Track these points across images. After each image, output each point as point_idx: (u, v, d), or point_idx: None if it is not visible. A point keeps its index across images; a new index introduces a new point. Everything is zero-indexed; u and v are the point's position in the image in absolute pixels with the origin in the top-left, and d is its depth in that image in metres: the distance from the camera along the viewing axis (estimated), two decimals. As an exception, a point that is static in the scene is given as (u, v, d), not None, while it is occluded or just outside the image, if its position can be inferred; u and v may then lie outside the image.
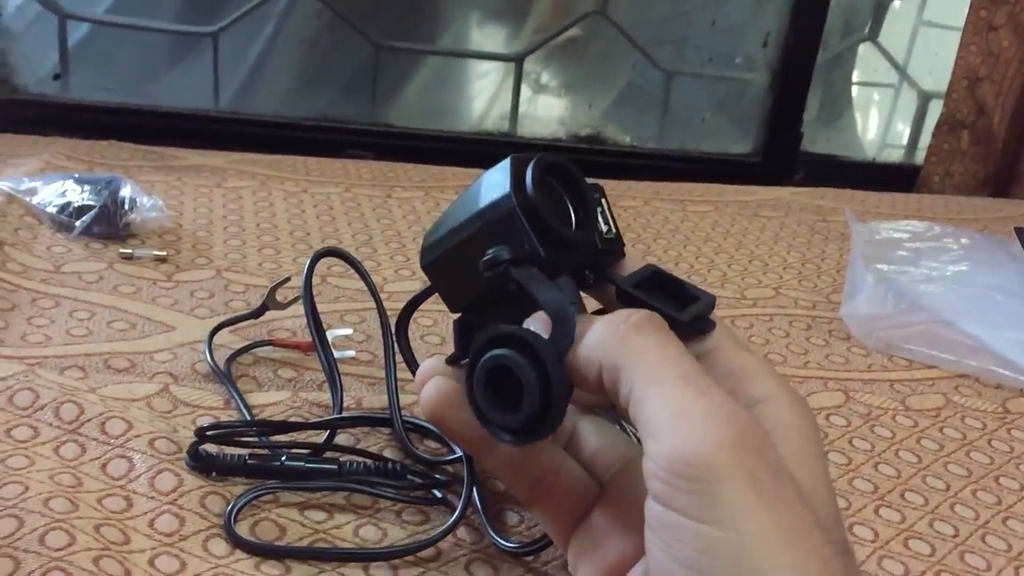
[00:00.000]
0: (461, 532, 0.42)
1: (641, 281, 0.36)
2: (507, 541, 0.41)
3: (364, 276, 0.52)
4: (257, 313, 0.54)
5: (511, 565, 0.40)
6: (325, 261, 0.64)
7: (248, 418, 0.47)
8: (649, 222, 0.79)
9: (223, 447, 0.44)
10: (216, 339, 0.52)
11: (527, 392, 0.31)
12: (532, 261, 0.33)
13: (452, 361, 0.37)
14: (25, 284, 0.56)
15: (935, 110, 1.33)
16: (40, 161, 0.72)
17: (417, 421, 0.48)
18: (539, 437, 0.32)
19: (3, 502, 0.39)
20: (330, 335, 0.52)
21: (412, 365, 0.44)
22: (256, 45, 1.32)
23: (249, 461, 0.43)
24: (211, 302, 0.57)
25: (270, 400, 0.49)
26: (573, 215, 0.36)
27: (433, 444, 0.47)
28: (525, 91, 1.43)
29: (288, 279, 0.56)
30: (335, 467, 0.43)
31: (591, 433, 0.37)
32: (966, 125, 1.25)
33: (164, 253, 0.61)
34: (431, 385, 0.36)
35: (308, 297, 0.49)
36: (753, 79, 1.38)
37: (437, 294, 0.39)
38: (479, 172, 0.88)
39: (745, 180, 0.95)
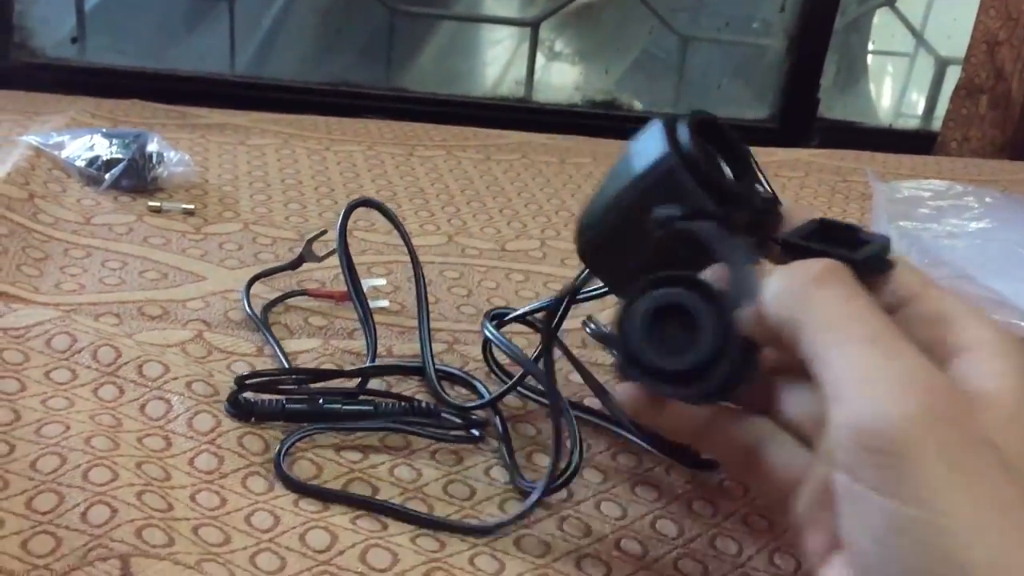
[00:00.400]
0: (495, 472, 0.43)
1: (809, 233, 0.33)
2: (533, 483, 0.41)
3: (398, 226, 0.52)
4: (294, 264, 0.55)
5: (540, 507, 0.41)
6: (367, 213, 0.65)
7: (285, 365, 0.47)
8: (670, 181, 0.79)
9: (260, 394, 0.44)
10: (251, 290, 0.52)
11: (700, 332, 0.29)
12: (703, 216, 0.31)
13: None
14: (56, 235, 0.56)
15: (952, 76, 1.32)
16: (65, 118, 0.72)
17: (449, 369, 0.48)
18: (709, 390, 0.29)
19: (45, 440, 0.40)
20: (365, 284, 0.52)
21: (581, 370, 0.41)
22: (272, 10, 1.31)
23: (287, 406, 0.43)
24: (240, 254, 0.57)
25: (302, 347, 0.49)
26: (730, 172, 0.34)
27: (464, 391, 0.47)
28: (540, 57, 1.43)
29: (324, 232, 0.56)
30: (371, 408, 0.43)
31: (793, 397, 0.31)
32: (984, 90, 1.24)
33: (192, 206, 0.61)
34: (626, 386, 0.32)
35: (343, 246, 0.49)
36: (770, 44, 1.37)
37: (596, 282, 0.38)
38: (499, 133, 0.88)
39: (761, 146, 0.95)
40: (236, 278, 0.54)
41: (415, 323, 0.50)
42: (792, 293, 0.28)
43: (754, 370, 0.30)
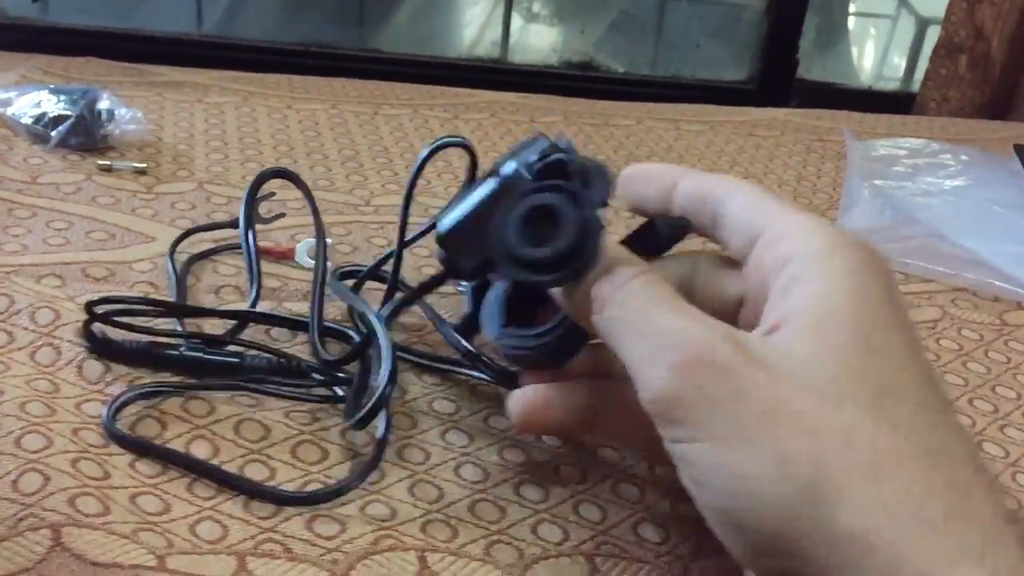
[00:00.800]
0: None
1: (635, 235, 0.37)
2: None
3: (307, 194, 0.50)
4: (235, 223, 0.52)
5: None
6: (327, 173, 0.63)
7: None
8: (643, 140, 0.78)
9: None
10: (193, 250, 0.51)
11: (564, 225, 0.33)
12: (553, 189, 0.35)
13: (466, 325, 0.41)
14: (0, 194, 0.54)
15: (933, 36, 1.30)
16: (15, 75, 0.70)
17: (336, 326, 0.45)
18: (572, 276, 0.33)
19: (-22, 406, 0.38)
20: (307, 244, 0.51)
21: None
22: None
23: (145, 349, 0.41)
24: (192, 213, 0.55)
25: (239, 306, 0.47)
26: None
27: (347, 347, 0.45)
28: (517, 19, 1.40)
29: (274, 194, 0.54)
30: (236, 360, 0.41)
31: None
32: (964, 49, 1.22)
33: (144, 165, 0.59)
34: (518, 393, 0.38)
35: (248, 205, 0.47)
36: (748, 4, 1.35)
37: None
38: (469, 92, 0.86)
39: (741, 106, 0.93)
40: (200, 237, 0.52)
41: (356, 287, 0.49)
42: (598, 317, 0.32)
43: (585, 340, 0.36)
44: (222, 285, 0.49)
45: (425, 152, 0.43)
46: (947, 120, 1.03)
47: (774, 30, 1.32)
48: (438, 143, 0.43)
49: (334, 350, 0.44)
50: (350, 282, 0.49)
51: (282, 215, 0.54)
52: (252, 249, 0.48)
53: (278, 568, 0.33)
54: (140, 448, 0.38)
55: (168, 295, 0.47)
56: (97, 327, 0.42)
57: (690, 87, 1.34)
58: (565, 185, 0.34)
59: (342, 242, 0.55)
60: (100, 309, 0.41)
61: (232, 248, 0.52)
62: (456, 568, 0.34)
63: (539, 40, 1.43)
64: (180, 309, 0.44)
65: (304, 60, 1.16)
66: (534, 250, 0.34)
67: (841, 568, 0.26)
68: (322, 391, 0.42)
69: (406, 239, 0.46)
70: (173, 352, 0.41)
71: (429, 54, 1.27)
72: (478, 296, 0.40)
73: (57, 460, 0.36)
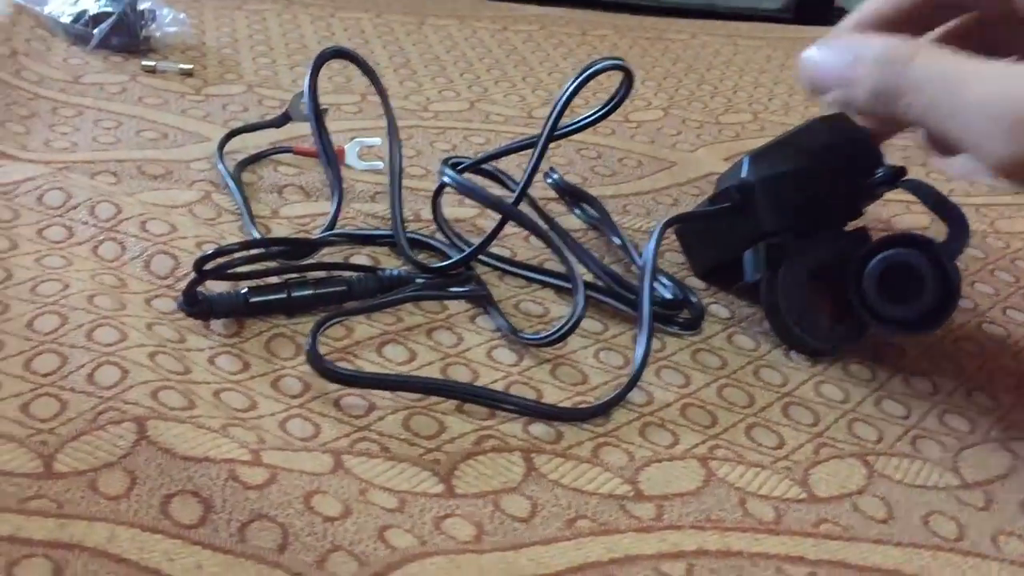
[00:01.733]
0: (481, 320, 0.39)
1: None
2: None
3: (371, 76, 0.46)
4: (279, 122, 0.49)
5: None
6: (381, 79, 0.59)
7: (256, 234, 0.41)
8: (699, 54, 0.74)
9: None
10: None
11: (925, 283, 0.36)
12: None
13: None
14: (43, 93, 0.51)
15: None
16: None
17: (418, 236, 0.43)
18: (934, 328, 0.37)
19: (42, 299, 0.36)
20: (358, 144, 0.48)
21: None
22: None
23: (252, 299, 0.37)
24: (246, 115, 0.52)
25: (320, 210, 0.45)
26: None
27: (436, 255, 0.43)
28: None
29: (327, 109, 0.51)
30: (344, 287, 0.38)
31: None
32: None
33: (190, 67, 0.56)
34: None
35: (313, 100, 0.43)
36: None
37: None
38: (511, 6, 0.81)
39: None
40: (242, 140, 0.49)
41: (426, 186, 0.45)
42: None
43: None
44: (284, 185, 0.46)
45: (581, 76, 0.39)
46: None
47: (813, -44, 1.27)
48: (595, 68, 0.38)
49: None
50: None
51: (326, 109, 0.51)
52: (334, 167, 0.44)
53: (376, 467, 0.31)
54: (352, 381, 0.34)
55: (226, 194, 0.44)
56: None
57: (723, 15, 1.30)
58: (921, 239, 0.37)
59: (405, 146, 0.52)
60: (209, 265, 0.36)
61: (285, 150, 0.48)
62: (564, 470, 0.32)
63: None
64: (282, 243, 0.40)
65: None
66: (898, 309, 0.37)
67: None
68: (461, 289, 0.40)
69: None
70: (279, 296, 0.37)
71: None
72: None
73: (133, 353, 0.34)
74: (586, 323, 0.40)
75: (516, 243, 0.44)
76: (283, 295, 0.37)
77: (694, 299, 0.41)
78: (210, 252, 0.35)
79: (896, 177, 0.40)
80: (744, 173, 0.40)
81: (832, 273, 0.39)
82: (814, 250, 0.39)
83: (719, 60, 0.73)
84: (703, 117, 0.62)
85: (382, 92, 0.45)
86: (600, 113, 0.40)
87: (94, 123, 0.49)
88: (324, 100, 0.51)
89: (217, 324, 0.36)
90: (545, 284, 0.42)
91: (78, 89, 0.52)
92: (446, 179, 0.40)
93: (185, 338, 0.36)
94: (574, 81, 0.39)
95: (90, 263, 0.38)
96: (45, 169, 0.43)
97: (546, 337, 0.37)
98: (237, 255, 0.36)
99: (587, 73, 0.38)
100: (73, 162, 0.45)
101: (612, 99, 0.39)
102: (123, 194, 0.43)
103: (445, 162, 0.42)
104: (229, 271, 0.36)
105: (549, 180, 0.48)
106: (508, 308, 0.40)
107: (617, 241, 0.44)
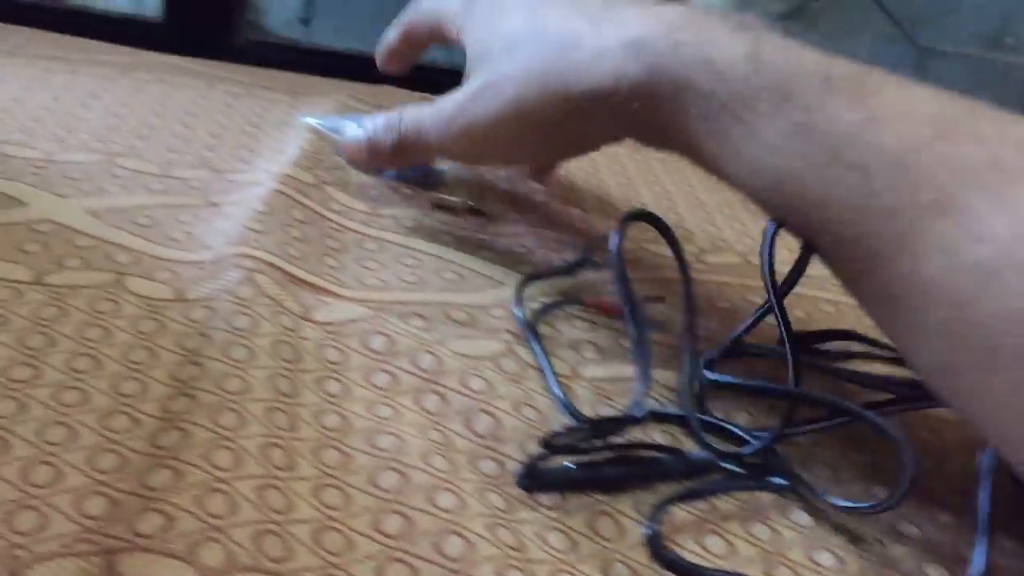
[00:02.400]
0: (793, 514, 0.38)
1: None
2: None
3: (673, 243, 0.46)
4: (570, 269, 0.51)
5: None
6: (638, 225, 0.60)
7: (559, 393, 0.42)
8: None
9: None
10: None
11: None
12: None
13: None
14: (349, 224, 0.54)
15: None
16: (332, 101, 0.70)
17: (712, 420, 0.43)
18: None
19: (381, 453, 0.37)
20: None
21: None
22: None
23: (580, 476, 0.38)
24: (533, 258, 0.54)
25: (618, 374, 0.45)
26: None
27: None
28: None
29: (606, 237, 0.52)
30: (660, 468, 0.39)
31: None
32: None
33: (476, 204, 0.58)
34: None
35: (620, 264, 0.44)
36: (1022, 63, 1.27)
37: None
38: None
39: None
40: (533, 286, 0.50)
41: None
42: None
43: None
44: (582, 340, 0.47)
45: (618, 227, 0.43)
46: None
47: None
48: (627, 215, 0.45)
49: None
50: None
51: (596, 262, 0.52)
52: (641, 328, 0.45)
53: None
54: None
55: (529, 347, 0.46)
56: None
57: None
58: None
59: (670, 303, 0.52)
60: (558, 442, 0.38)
61: (572, 301, 0.49)
62: None
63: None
64: (611, 424, 0.41)
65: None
66: None
67: None
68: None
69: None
70: (605, 473, 0.38)
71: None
72: None
73: (474, 523, 0.35)
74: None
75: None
76: (610, 471, 0.38)
77: None
78: (561, 431, 0.36)
79: None
80: None
81: None
82: None
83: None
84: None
85: (682, 262, 0.46)
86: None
87: (396, 259, 0.51)
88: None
89: (541, 495, 0.37)
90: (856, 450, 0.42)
91: (379, 222, 0.55)
92: (712, 377, 0.41)
93: (513, 507, 0.36)
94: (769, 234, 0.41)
95: (415, 415, 0.40)
96: (365, 310, 0.46)
97: (877, 504, 0.37)
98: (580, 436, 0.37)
99: (622, 220, 0.45)
100: (386, 302, 0.47)
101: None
102: (436, 342, 0.45)
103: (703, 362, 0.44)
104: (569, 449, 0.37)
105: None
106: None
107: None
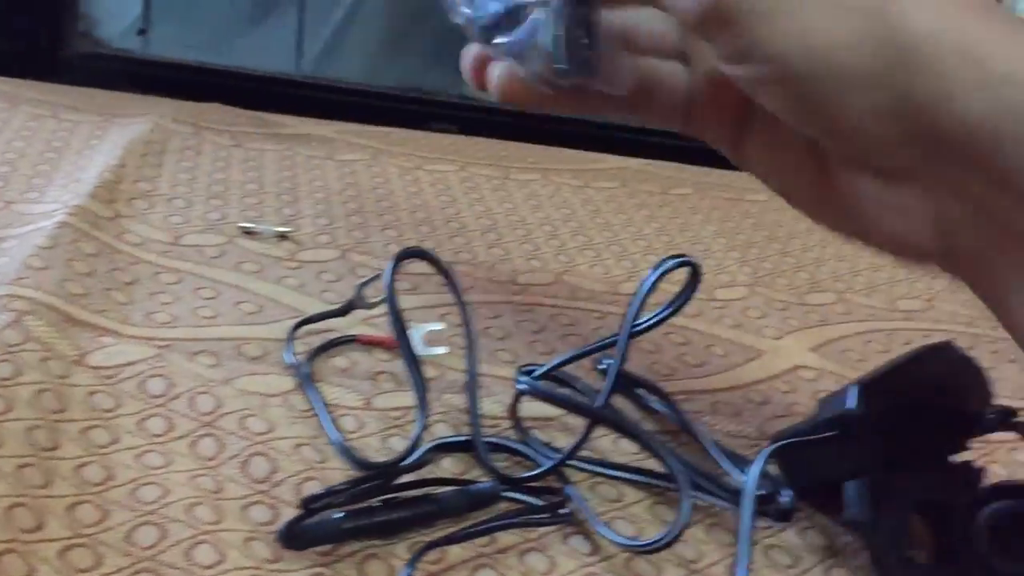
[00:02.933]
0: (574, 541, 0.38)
1: None
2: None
3: (448, 275, 0.47)
4: (343, 311, 0.49)
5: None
6: (467, 245, 0.60)
7: (334, 434, 0.41)
8: (780, 220, 0.74)
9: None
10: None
11: None
12: None
13: None
14: (144, 256, 0.52)
15: None
16: (149, 122, 0.68)
17: (502, 442, 0.43)
18: None
19: (142, 507, 0.36)
20: (424, 328, 0.48)
21: None
22: (341, 6, 1.27)
23: (346, 526, 0.36)
24: (339, 286, 0.53)
25: (389, 405, 0.45)
26: None
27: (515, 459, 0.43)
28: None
29: (378, 276, 0.50)
30: (436, 506, 0.38)
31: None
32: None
33: (287, 230, 0.57)
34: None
35: (392, 300, 0.44)
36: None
37: None
38: (595, 157, 0.82)
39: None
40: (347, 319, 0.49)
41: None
42: None
43: None
44: (378, 371, 0.46)
45: (653, 277, 0.41)
46: None
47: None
48: (664, 268, 0.41)
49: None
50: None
51: (383, 300, 0.51)
52: (412, 360, 0.44)
53: None
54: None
55: (324, 382, 0.45)
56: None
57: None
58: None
59: (491, 325, 0.52)
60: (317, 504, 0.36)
61: (346, 341, 0.48)
62: None
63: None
64: (377, 477, 0.39)
65: (400, 106, 1.14)
66: (1014, 564, 0.36)
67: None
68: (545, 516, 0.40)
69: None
70: (375, 520, 0.37)
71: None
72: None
73: (232, 578, 0.34)
74: (680, 548, 0.39)
75: (603, 444, 0.44)
76: (379, 518, 0.37)
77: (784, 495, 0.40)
78: (320, 493, 0.35)
79: (1007, 417, 0.39)
80: (850, 403, 0.39)
81: (935, 512, 0.39)
82: (919, 487, 0.39)
83: (801, 227, 0.73)
84: (788, 297, 0.62)
85: (458, 295, 0.46)
86: (668, 312, 0.43)
87: (193, 291, 0.50)
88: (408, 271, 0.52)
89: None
90: (644, 485, 0.42)
91: (180, 252, 0.53)
92: (522, 387, 0.41)
93: (280, 556, 0.35)
94: (648, 281, 0.41)
95: (189, 462, 0.39)
96: (148, 350, 0.44)
97: (651, 543, 0.37)
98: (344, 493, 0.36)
99: (658, 274, 0.41)
100: (174, 339, 0.46)
101: (679, 296, 0.43)
102: (221, 382, 0.43)
103: (520, 370, 0.42)
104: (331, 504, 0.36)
105: (602, 365, 0.49)
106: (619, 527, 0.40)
107: (711, 449, 0.44)
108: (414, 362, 0.44)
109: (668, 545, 0.36)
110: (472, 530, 0.37)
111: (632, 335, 0.42)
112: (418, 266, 0.48)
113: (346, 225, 0.60)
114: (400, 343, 0.44)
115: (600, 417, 0.41)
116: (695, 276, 0.42)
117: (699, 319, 0.57)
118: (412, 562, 0.35)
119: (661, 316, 0.42)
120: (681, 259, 0.41)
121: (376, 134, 0.76)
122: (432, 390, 0.46)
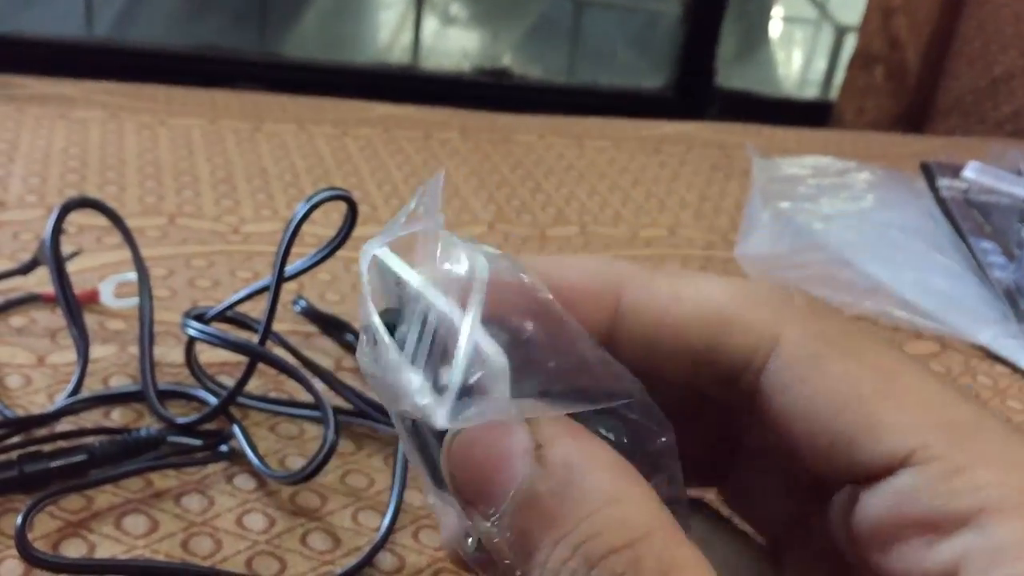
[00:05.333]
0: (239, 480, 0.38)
1: None
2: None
3: (121, 227, 0.44)
4: (25, 269, 0.46)
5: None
6: (195, 198, 0.58)
7: None
8: (542, 158, 0.74)
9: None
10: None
11: None
12: None
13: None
14: None
15: (851, 45, 1.30)
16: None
17: (177, 388, 0.42)
18: None
19: None
20: (114, 281, 0.46)
21: None
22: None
23: None
24: (35, 246, 0.51)
25: (66, 360, 0.43)
26: None
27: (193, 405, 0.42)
28: (433, 23, 1.36)
29: (64, 231, 0.48)
30: (85, 456, 0.36)
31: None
32: (880, 59, 1.22)
33: (-13, 190, 0.54)
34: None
35: (54, 250, 0.41)
36: (665, 11, 1.33)
37: None
38: (363, 105, 0.81)
39: (658, 116, 0.91)
40: (36, 276, 0.47)
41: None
42: None
43: None
44: (57, 329, 0.45)
45: (302, 211, 0.38)
46: (858, 134, 1.02)
47: (691, 38, 1.30)
48: (315, 200, 0.38)
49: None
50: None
51: (77, 252, 0.49)
52: (76, 315, 0.42)
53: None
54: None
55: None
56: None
57: (606, 95, 1.32)
58: None
59: (202, 276, 0.51)
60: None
61: (33, 298, 0.46)
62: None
63: (455, 44, 1.40)
64: (27, 423, 0.38)
65: (198, 66, 1.11)
66: None
67: None
68: (205, 453, 0.39)
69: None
70: (13, 474, 0.35)
71: (331, 59, 1.23)
72: None
73: None
74: (351, 479, 0.39)
75: (292, 384, 0.44)
76: (13, 473, 0.35)
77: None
78: None
79: None
80: None
81: None
82: None
83: (561, 164, 0.73)
84: (528, 231, 0.62)
85: (130, 239, 0.44)
86: (326, 252, 0.40)
87: None
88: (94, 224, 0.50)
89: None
90: (302, 418, 0.42)
91: None
92: (191, 332, 0.39)
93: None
94: (297, 217, 0.38)
95: None
96: None
97: (297, 474, 0.36)
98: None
99: (307, 207, 0.38)
100: None
101: (337, 235, 0.40)
102: None
103: (187, 314, 0.41)
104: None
105: (297, 308, 0.49)
106: (274, 462, 0.39)
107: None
108: (70, 312, 0.42)
109: (311, 476, 0.36)
110: (111, 474, 0.36)
111: (285, 280, 0.40)
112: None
113: (60, 185, 0.57)
114: (57, 294, 0.42)
115: (258, 354, 0.40)
116: (352, 211, 0.41)
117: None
118: (29, 510, 0.33)
119: (312, 261, 0.41)
120: (335, 192, 0.40)
121: (124, 91, 0.73)
122: (116, 343, 0.44)
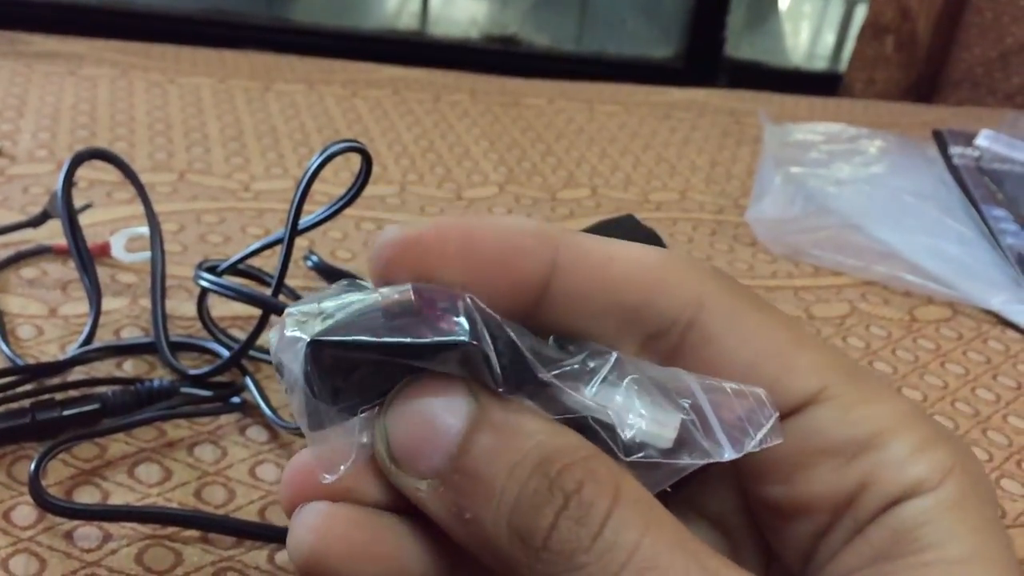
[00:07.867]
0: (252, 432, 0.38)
1: None
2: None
3: (133, 179, 0.44)
4: (36, 221, 0.46)
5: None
6: (205, 155, 0.58)
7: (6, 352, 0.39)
8: (552, 122, 0.74)
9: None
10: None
11: None
12: None
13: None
14: None
15: (861, 16, 1.28)
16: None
17: (188, 340, 0.42)
18: None
19: None
20: (126, 234, 0.46)
21: None
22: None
23: None
24: (46, 199, 0.50)
25: (110, 306, 0.43)
26: None
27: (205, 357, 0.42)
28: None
29: (75, 183, 0.48)
30: (98, 404, 0.36)
31: None
32: (890, 30, 1.21)
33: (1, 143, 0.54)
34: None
35: (66, 203, 0.41)
36: (676, -21, 1.32)
37: None
38: (372, 67, 0.80)
39: (667, 85, 0.90)
40: (47, 229, 0.47)
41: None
42: None
43: None
44: (68, 281, 0.45)
45: (316, 161, 0.38)
46: (869, 103, 1.02)
47: (700, 7, 1.29)
48: (330, 151, 0.37)
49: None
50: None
51: (88, 205, 0.49)
52: (89, 267, 0.42)
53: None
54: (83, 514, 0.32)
55: (10, 293, 0.43)
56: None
57: (614, 64, 1.31)
58: None
59: (213, 232, 0.51)
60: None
61: (44, 250, 0.46)
62: None
63: (462, 11, 1.39)
64: (28, 371, 0.38)
65: (206, 29, 1.10)
66: None
67: None
68: (216, 404, 0.39)
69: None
70: (21, 421, 0.35)
71: (338, 25, 1.22)
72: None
73: None
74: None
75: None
76: (26, 420, 0.35)
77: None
78: None
79: None
80: None
81: None
82: None
83: (571, 128, 0.73)
84: (539, 193, 0.62)
85: (141, 191, 0.44)
86: (341, 204, 0.39)
87: None
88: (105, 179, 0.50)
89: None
90: None
91: None
92: (203, 283, 0.39)
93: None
94: (311, 167, 0.38)
95: None
96: None
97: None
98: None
99: (323, 158, 0.37)
100: None
101: (352, 186, 0.39)
102: None
103: (200, 266, 0.41)
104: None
105: (309, 264, 0.48)
106: (287, 414, 0.39)
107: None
108: (83, 263, 0.42)
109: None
110: (124, 423, 0.36)
111: (298, 234, 0.40)
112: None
113: (70, 140, 0.57)
114: (69, 244, 0.42)
115: (271, 306, 0.40)
116: (367, 163, 0.40)
117: (436, 216, 0.56)
118: (42, 457, 0.33)
119: (326, 214, 0.41)
120: (350, 143, 0.39)
121: (135, 49, 0.73)
122: (128, 295, 0.44)
